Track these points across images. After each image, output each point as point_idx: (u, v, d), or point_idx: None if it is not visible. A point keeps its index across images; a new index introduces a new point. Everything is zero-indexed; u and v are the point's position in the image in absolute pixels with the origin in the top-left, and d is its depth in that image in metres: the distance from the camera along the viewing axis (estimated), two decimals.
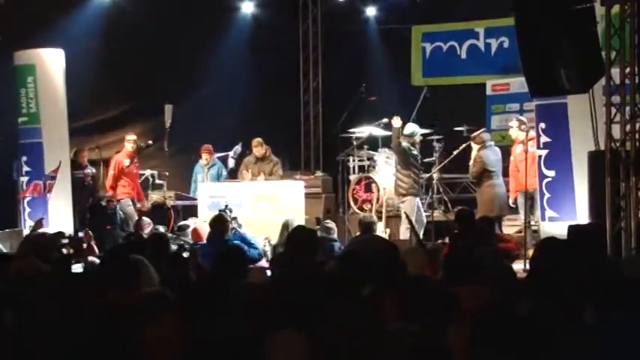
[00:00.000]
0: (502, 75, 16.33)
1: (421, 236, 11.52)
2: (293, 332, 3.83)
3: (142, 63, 15.73)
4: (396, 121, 12.56)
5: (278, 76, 17.04)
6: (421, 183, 13.36)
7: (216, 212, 10.60)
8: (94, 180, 14.08)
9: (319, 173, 15.46)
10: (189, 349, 3.84)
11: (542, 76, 8.87)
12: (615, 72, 9.19)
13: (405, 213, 11.97)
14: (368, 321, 3.97)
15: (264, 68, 16.68)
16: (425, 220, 12.73)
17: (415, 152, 12.83)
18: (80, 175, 13.73)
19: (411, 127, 12.86)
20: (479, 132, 12.83)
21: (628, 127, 9.03)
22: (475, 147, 12.59)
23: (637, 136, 8.95)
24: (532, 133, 11.51)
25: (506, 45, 16.49)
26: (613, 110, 9.17)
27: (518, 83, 14.81)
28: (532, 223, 11.80)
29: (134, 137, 14.10)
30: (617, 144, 9.08)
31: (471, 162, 12.61)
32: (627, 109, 9.10)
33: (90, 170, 13.99)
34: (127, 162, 13.79)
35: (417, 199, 12.70)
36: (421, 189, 13.29)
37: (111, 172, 13.76)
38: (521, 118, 12.93)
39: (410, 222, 11.13)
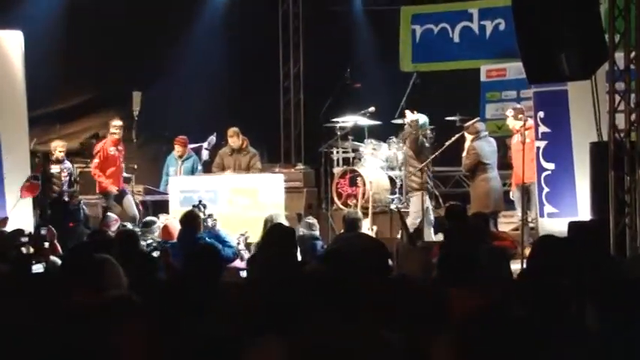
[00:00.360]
0: (498, 60, 16.37)
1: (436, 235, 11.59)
2: (271, 336, 3.85)
3: (108, 46, 15.67)
4: (413, 115, 12.70)
5: (255, 61, 17.01)
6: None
7: (189, 208, 10.60)
8: (71, 177, 13.92)
9: (300, 166, 15.42)
10: (159, 353, 3.85)
11: (541, 60, 8.90)
12: (619, 56, 9.23)
13: (398, 208, 12.00)
14: (352, 324, 3.99)
15: (241, 52, 16.66)
16: (433, 219, 12.77)
17: (427, 145, 12.93)
18: (56, 170, 13.59)
19: (422, 119, 12.94)
20: (472, 121, 12.86)
21: (633, 117, 9.08)
22: (468, 137, 12.63)
23: None
24: (530, 122, 11.55)
25: (502, 27, 16.52)
26: (617, 98, 9.21)
27: (515, 69, 14.83)
28: (529, 219, 11.84)
29: (120, 123, 13.95)
30: (622, 134, 9.13)
31: (464, 154, 12.65)
32: (632, 96, 9.14)
33: (67, 165, 13.82)
34: (112, 150, 13.71)
35: (427, 196, 12.73)
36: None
37: (96, 160, 13.68)
38: (517, 106, 12.99)
39: (402, 219, 11.16)
